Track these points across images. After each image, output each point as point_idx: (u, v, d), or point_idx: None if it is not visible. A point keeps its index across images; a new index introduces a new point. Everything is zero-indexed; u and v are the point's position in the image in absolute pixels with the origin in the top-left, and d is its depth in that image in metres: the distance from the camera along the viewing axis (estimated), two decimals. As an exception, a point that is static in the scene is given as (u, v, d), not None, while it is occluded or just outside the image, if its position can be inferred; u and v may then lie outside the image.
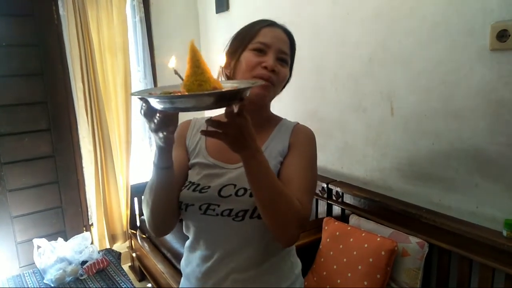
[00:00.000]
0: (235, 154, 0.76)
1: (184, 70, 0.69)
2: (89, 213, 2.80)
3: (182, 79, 0.70)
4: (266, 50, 0.92)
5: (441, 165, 1.61)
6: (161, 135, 0.77)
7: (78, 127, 2.60)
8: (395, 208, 1.73)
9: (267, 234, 0.87)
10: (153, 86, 2.92)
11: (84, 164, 2.67)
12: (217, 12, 2.85)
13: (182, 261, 1.03)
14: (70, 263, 2.17)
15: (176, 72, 0.72)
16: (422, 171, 1.70)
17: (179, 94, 0.69)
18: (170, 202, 0.90)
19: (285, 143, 0.95)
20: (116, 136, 2.74)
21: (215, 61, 3.00)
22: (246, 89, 0.69)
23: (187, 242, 1.00)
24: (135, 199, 2.80)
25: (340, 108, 2.04)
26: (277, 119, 1.03)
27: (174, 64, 0.74)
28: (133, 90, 2.77)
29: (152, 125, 0.75)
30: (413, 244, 1.59)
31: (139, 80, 2.91)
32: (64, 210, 2.68)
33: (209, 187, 0.90)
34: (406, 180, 1.77)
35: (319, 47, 2.10)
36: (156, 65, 2.96)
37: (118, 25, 2.63)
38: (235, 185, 0.89)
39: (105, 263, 2.25)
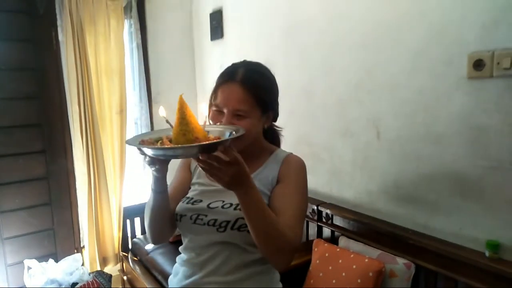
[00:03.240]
0: None
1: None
2: (81, 235, 2.79)
3: (172, 126, 0.82)
4: (222, 111, 1.00)
5: (425, 188, 1.67)
6: (153, 168, 0.91)
7: (73, 149, 2.63)
8: (383, 230, 1.78)
9: (248, 245, 0.97)
10: (147, 109, 2.99)
11: (77, 186, 2.68)
12: (212, 40, 2.95)
13: (177, 258, 1.15)
14: (60, 284, 2.16)
15: (167, 121, 0.86)
16: (408, 194, 1.75)
17: (165, 144, 0.81)
18: (165, 218, 1.05)
19: (275, 173, 1.04)
20: (110, 159, 2.76)
21: (209, 85, 3.08)
22: (222, 142, 0.77)
23: (182, 246, 1.11)
24: (128, 222, 2.80)
25: (328, 133, 2.10)
26: (271, 149, 1.12)
27: (163, 113, 0.88)
28: (128, 113, 2.83)
29: (147, 161, 0.88)
30: (400, 265, 1.62)
31: (135, 104, 2.97)
32: (55, 232, 2.67)
33: (201, 200, 1.05)
34: (393, 202, 1.82)
35: (308, 74, 2.19)
36: (152, 89, 3.03)
37: (115, 50, 2.71)
38: (223, 200, 1.02)
39: (96, 285, 2.24)
